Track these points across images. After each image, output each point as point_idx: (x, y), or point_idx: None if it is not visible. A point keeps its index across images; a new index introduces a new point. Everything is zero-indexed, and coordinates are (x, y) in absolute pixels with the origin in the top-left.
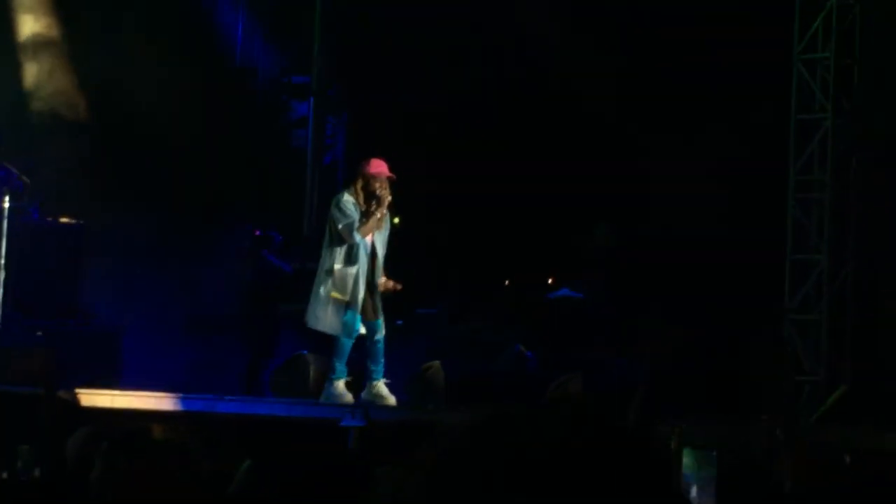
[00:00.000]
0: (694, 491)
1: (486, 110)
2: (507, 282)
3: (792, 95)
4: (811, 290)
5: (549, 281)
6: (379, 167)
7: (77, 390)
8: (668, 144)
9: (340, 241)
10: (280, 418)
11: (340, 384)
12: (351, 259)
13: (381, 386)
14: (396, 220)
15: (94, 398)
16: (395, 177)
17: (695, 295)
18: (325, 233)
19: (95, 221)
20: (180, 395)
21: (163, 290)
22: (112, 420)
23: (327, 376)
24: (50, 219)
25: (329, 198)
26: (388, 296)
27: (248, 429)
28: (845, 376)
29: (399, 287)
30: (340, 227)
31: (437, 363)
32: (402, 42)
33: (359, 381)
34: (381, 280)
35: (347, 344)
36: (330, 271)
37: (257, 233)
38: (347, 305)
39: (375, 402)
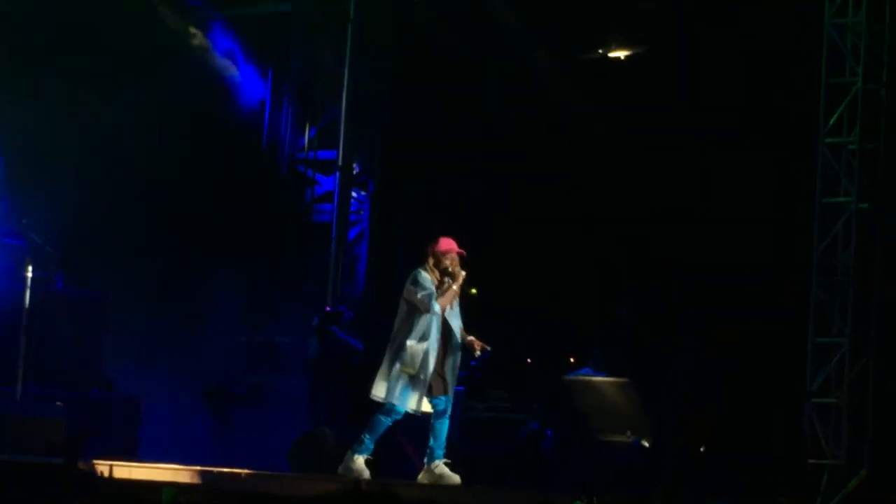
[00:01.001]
0: None
1: (508, 183)
2: (528, 360)
3: (817, 178)
4: (832, 372)
5: (571, 360)
6: (448, 245)
7: (95, 461)
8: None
9: (413, 317)
10: (297, 493)
11: (361, 460)
12: (423, 335)
13: (443, 466)
14: (474, 290)
15: (113, 469)
16: (464, 252)
17: (717, 372)
18: (399, 309)
19: (117, 293)
20: (197, 467)
21: (182, 361)
22: (131, 491)
23: (352, 447)
24: (73, 288)
25: (353, 270)
26: None
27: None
28: (866, 460)
29: (488, 347)
30: (419, 296)
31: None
32: (428, 116)
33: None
34: (475, 344)
35: (386, 423)
36: (402, 346)
37: (327, 308)
38: (413, 379)
39: (438, 482)
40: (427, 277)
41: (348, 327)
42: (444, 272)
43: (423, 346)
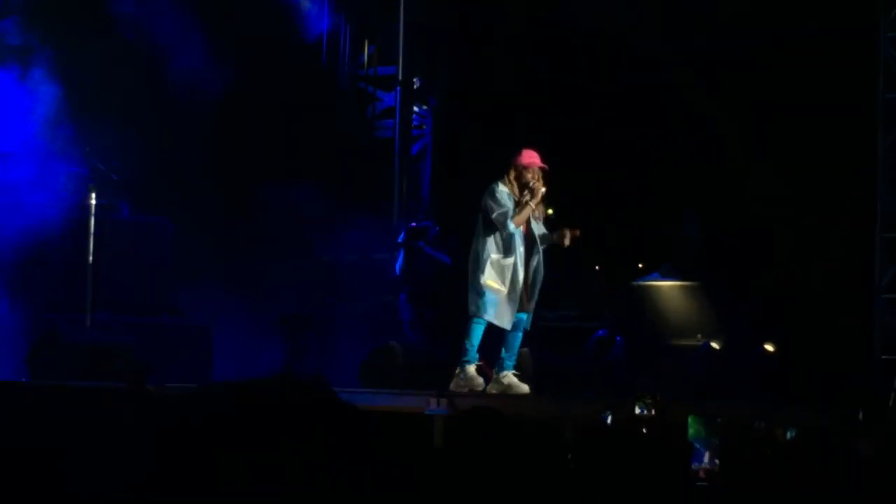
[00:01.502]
0: (706, 457)
1: (573, 95)
2: (597, 266)
3: (879, 74)
4: None
5: (640, 265)
6: (531, 158)
7: (168, 386)
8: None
9: (495, 230)
10: (364, 408)
11: (471, 369)
12: (508, 249)
13: (512, 376)
14: (550, 210)
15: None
16: (547, 167)
17: (779, 275)
18: (477, 221)
19: (185, 217)
20: None
21: (254, 286)
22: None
23: (459, 360)
24: (138, 215)
25: (417, 187)
26: None
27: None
28: None
29: (577, 233)
30: (494, 216)
31: (525, 350)
32: (488, 28)
33: None
34: (564, 233)
35: (481, 329)
36: (486, 260)
37: (412, 224)
38: (504, 295)
39: (507, 392)
40: (504, 192)
41: (435, 242)
42: (524, 186)
43: (509, 261)
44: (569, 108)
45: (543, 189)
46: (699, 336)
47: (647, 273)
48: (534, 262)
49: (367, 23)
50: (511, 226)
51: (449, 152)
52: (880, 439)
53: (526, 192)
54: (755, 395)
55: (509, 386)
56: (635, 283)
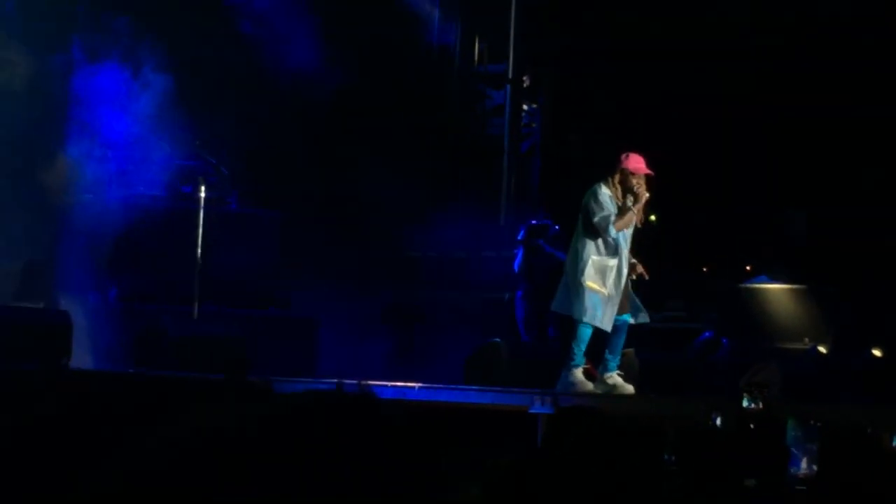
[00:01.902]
0: (804, 462)
1: (679, 94)
2: (704, 268)
3: None
4: None
5: (748, 268)
6: (637, 163)
7: (272, 378)
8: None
9: (596, 232)
10: (471, 405)
11: (579, 372)
12: (611, 250)
13: (617, 377)
14: (653, 217)
15: (289, 387)
16: (653, 173)
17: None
18: (577, 222)
19: (293, 210)
20: (370, 382)
21: (361, 278)
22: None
23: (564, 363)
24: (248, 209)
25: (526, 185)
26: None
27: (439, 417)
28: None
29: (646, 276)
30: (596, 219)
31: (630, 350)
32: (597, 30)
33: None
34: (636, 268)
35: (589, 332)
36: (588, 261)
37: (533, 222)
38: (605, 297)
39: (612, 392)
40: (607, 194)
41: (554, 241)
42: (628, 191)
43: (612, 263)
44: (675, 109)
45: (647, 195)
46: (806, 340)
47: (755, 275)
48: (628, 267)
49: (478, 20)
50: (612, 231)
51: (557, 150)
52: None
53: (629, 196)
54: (862, 400)
55: (614, 386)
56: (742, 285)
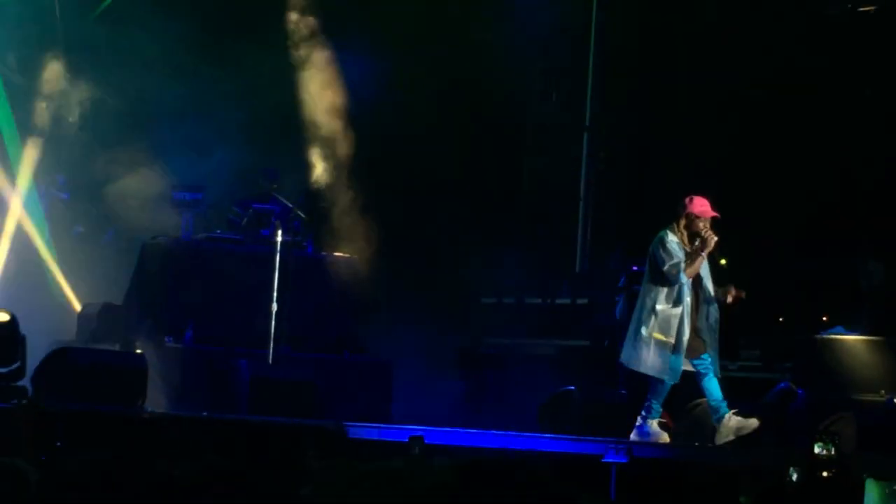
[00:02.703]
0: None
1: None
2: (780, 318)
3: None
4: None
5: (824, 318)
6: (703, 206)
7: (344, 423)
8: None
9: (663, 281)
10: (543, 453)
11: (655, 424)
12: (676, 299)
13: (733, 416)
14: (723, 261)
15: (361, 431)
16: (719, 216)
17: None
18: (645, 271)
19: (368, 256)
20: (443, 428)
21: (435, 322)
22: (378, 453)
23: (641, 415)
24: (323, 252)
25: (603, 232)
26: None
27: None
28: None
29: (742, 294)
30: (666, 267)
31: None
32: (673, 76)
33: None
34: (730, 291)
35: (667, 385)
36: (653, 311)
37: (634, 268)
38: (671, 347)
39: (737, 434)
40: (674, 241)
41: None
42: (695, 235)
43: (677, 311)
44: (744, 156)
45: (716, 238)
46: (883, 392)
47: (831, 326)
48: (703, 307)
49: (555, 68)
50: (683, 277)
51: (632, 198)
52: None
53: (698, 241)
54: None
55: (739, 425)
56: (819, 335)
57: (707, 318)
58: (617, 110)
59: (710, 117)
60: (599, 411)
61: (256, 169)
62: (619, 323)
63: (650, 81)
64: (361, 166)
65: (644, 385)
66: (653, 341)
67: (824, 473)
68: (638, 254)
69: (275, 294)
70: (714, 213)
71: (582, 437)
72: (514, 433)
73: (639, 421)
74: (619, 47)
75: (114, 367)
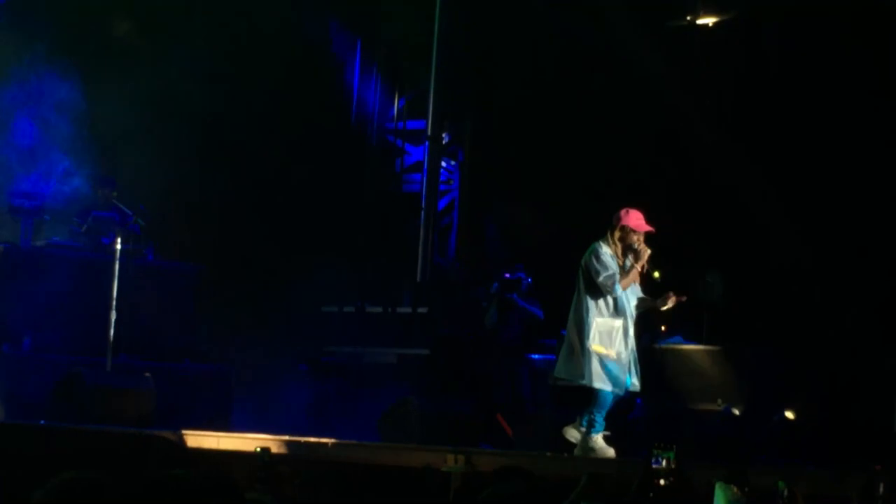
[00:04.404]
0: None
1: (594, 150)
2: None
3: None
4: None
5: (663, 328)
6: (638, 220)
7: (185, 431)
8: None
9: (598, 293)
10: (382, 462)
11: (600, 438)
12: (615, 311)
13: (600, 439)
14: (657, 273)
15: (201, 440)
16: (654, 230)
17: (802, 340)
18: (577, 284)
19: (209, 263)
20: (285, 437)
21: (278, 331)
22: (219, 462)
23: (586, 431)
24: (163, 260)
25: (443, 240)
26: None
27: (351, 473)
28: None
29: (682, 298)
30: (601, 279)
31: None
32: (519, 85)
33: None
34: (669, 297)
35: (610, 396)
36: (592, 324)
37: (506, 275)
38: (613, 358)
39: (589, 454)
40: (608, 253)
41: (528, 294)
42: (629, 248)
43: (617, 323)
44: (590, 165)
45: (649, 251)
46: (720, 401)
47: (670, 335)
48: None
49: (397, 76)
50: (619, 289)
51: (476, 207)
52: None
53: (631, 254)
54: (775, 462)
55: (596, 449)
56: (657, 345)
57: (631, 337)
58: (459, 118)
59: (549, 126)
60: (439, 420)
61: (95, 177)
62: (489, 330)
63: (492, 90)
64: (204, 173)
65: (486, 394)
66: (594, 354)
67: (662, 482)
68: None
69: (114, 302)
70: (649, 228)
71: (419, 446)
72: (355, 442)
73: (584, 436)
74: (462, 57)
75: None
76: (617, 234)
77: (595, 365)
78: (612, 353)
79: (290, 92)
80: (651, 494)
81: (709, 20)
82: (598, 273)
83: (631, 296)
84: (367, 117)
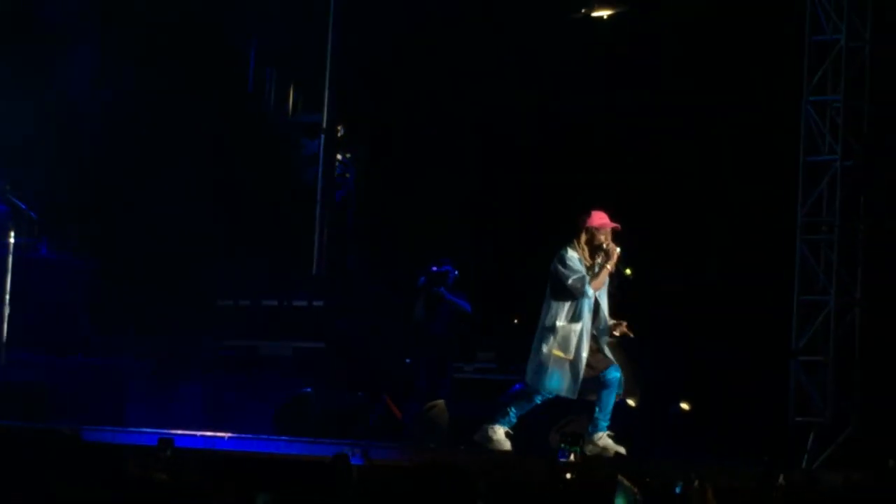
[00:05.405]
0: None
1: (492, 151)
2: (515, 319)
3: (801, 138)
4: (818, 330)
5: None
6: (602, 219)
7: (80, 426)
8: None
9: (563, 298)
10: (280, 456)
11: (502, 431)
12: (575, 316)
13: (607, 438)
14: (629, 270)
15: (97, 434)
16: (619, 227)
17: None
18: (546, 289)
19: (103, 256)
20: (180, 432)
21: (171, 327)
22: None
23: (493, 418)
24: (58, 254)
25: (340, 235)
26: None
27: (246, 467)
28: (852, 418)
29: (631, 334)
30: (570, 282)
31: (441, 402)
32: (412, 78)
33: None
34: (612, 324)
35: (538, 399)
36: (552, 328)
37: (433, 269)
38: (570, 364)
39: (602, 454)
40: (575, 257)
41: (455, 287)
42: (597, 249)
43: (576, 328)
44: (487, 162)
45: (618, 250)
46: (618, 393)
47: None
48: (601, 325)
49: (293, 69)
50: (589, 291)
51: (372, 201)
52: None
53: (601, 254)
54: (670, 454)
55: (604, 448)
56: None
57: (603, 334)
58: (356, 111)
59: (454, 118)
60: (336, 413)
61: None
62: (418, 324)
63: (392, 83)
64: (99, 166)
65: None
66: (552, 358)
67: (567, 475)
68: (378, 258)
69: (7, 296)
70: (614, 224)
71: (318, 440)
72: (250, 436)
73: (488, 423)
74: (360, 47)
75: None
76: (584, 238)
77: (550, 372)
78: (570, 357)
79: (186, 85)
80: (560, 486)
81: (603, 13)
82: (566, 277)
83: (602, 297)
84: (262, 110)
